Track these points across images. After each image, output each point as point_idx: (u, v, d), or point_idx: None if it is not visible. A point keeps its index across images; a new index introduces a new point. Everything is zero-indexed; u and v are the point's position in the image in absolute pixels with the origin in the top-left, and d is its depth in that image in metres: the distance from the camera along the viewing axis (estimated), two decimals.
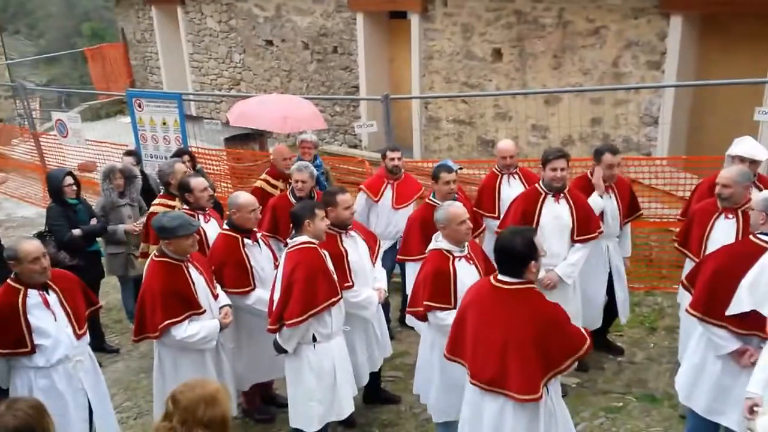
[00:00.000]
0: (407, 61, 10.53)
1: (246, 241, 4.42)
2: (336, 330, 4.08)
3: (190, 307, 3.99)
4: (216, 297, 4.24)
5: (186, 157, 6.26)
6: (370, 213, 5.75)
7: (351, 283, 4.26)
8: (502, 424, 3.17)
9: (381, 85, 10.87)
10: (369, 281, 4.44)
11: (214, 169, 8.85)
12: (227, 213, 4.88)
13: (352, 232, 4.43)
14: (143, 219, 5.77)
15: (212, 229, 4.85)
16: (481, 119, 9.68)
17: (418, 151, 10.43)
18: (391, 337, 5.70)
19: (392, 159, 5.68)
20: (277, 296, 3.99)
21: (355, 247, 4.37)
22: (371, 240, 4.63)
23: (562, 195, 4.63)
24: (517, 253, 3.13)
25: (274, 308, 3.98)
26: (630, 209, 5.12)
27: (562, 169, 4.57)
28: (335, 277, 4.01)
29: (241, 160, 9.11)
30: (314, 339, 3.97)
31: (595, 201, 4.82)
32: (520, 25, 8.95)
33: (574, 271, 4.62)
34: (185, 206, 4.95)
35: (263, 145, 9.55)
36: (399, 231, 5.59)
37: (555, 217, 4.60)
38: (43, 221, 9.36)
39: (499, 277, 3.22)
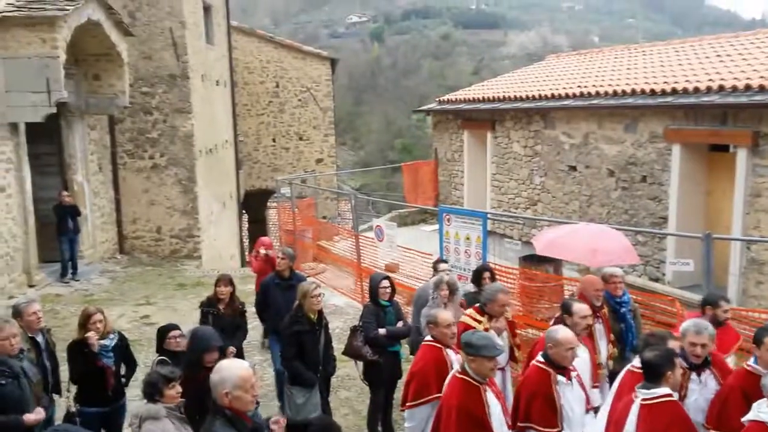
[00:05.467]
0: (727, 196, 9.62)
1: (559, 378, 4.25)
2: None
3: (483, 431, 3.98)
4: (510, 428, 4.20)
5: (487, 274, 6.62)
6: None
7: None
8: None
9: (693, 218, 10.08)
10: None
11: (509, 287, 8.99)
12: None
13: None
14: None
15: None
16: None
17: (734, 296, 9.22)
18: None
19: (726, 311, 5.07)
20: None
21: None
22: None
23: None
24: None
25: None
26: None
27: None
28: None
29: (533, 281, 9.10)
30: None
31: None
32: None
33: None
34: None
35: (557, 269, 9.44)
36: None
37: None
38: (351, 311, 10.61)
39: None
